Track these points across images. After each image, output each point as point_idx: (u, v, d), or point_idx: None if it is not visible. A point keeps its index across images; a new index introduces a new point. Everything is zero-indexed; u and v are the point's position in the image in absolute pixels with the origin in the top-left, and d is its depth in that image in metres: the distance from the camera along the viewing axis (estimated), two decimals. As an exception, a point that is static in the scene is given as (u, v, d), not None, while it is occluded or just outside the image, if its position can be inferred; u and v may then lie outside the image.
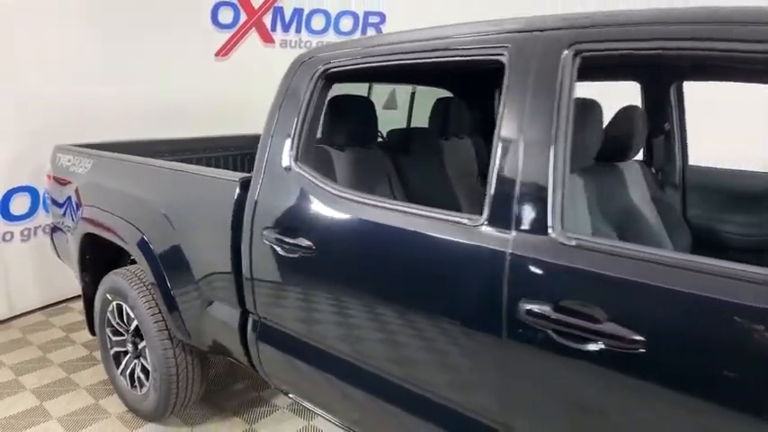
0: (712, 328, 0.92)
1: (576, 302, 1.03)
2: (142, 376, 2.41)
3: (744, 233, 2.16)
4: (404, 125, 4.23)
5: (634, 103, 2.01)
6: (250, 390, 2.74)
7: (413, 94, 3.37)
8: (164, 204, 2.09)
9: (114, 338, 2.53)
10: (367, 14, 5.19)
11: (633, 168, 2.06)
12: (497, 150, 1.19)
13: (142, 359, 2.40)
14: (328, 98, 1.88)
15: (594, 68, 2.12)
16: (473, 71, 2.57)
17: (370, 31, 5.22)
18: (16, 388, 2.75)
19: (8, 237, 3.57)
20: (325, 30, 5.10)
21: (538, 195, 1.12)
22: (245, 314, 1.84)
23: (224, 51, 4.65)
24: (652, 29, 1.05)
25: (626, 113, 1.92)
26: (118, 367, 2.54)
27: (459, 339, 1.23)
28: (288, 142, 1.66)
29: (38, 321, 3.60)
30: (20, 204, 3.60)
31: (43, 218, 3.64)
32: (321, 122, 1.92)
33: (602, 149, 2.00)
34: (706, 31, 0.99)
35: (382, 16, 5.22)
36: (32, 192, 3.62)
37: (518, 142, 1.17)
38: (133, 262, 2.43)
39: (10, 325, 3.53)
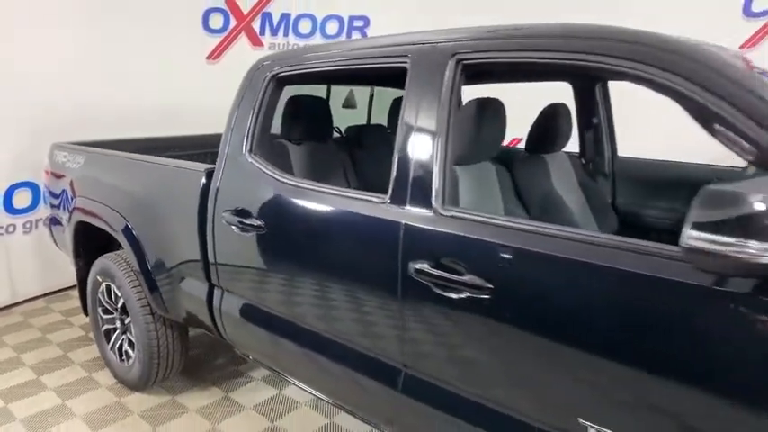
0: (546, 276, 1.17)
1: (448, 260, 1.28)
2: (129, 350, 2.69)
3: (664, 217, 2.40)
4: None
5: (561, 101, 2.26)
6: (229, 364, 3.01)
7: (371, 95, 3.65)
8: (144, 194, 2.37)
9: (105, 317, 2.81)
10: (352, 18, 5.45)
11: (559, 159, 2.31)
12: (398, 142, 1.46)
13: (128, 334, 2.68)
14: (287, 98, 2.16)
15: (527, 71, 2.38)
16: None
17: (355, 35, 5.48)
18: (16, 364, 3.04)
19: (11, 229, 3.87)
20: (311, 33, 5.37)
21: (425, 178, 1.38)
22: (211, 287, 2.12)
23: (215, 55, 4.93)
24: (510, 42, 1.31)
25: (549, 111, 2.17)
26: (108, 342, 2.82)
27: (369, 296, 1.49)
28: (244, 136, 1.93)
29: (39, 307, 3.89)
30: (22, 199, 3.89)
31: (44, 211, 3.92)
32: (281, 119, 2.20)
33: (529, 142, 2.26)
34: (545, 44, 1.24)
35: (366, 20, 5.48)
36: (33, 187, 3.91)
37: (412, 135, 1.43)
38: (121, 247, 2.71)
39: (13, 310, 3.82)
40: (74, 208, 2.83)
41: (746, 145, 0.99)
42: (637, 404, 1.07)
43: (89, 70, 3.98)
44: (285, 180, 1.75)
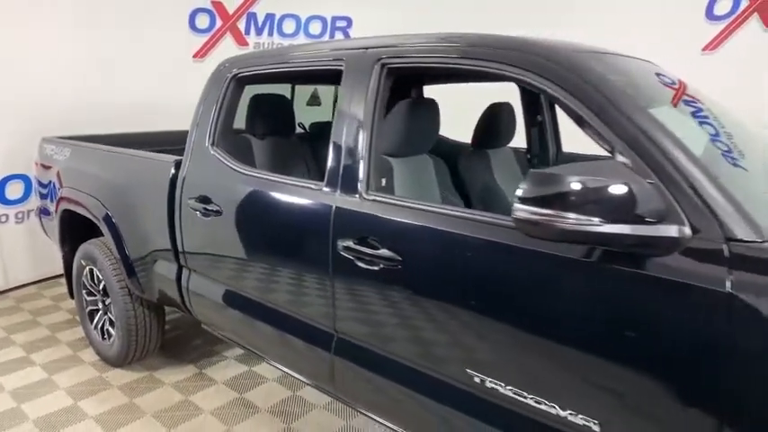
0: (436, 248, 1.38)
1: (368, 237, 1.49)
2: (110, 329, 2.90)
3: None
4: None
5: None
6: (205, 345, 3.21)
7: (336, 94, 3.86)
8: (122, 183, 2.58)
9: (88, 299, 3.02)
10: (335, 19, 5.64)
11: (503, 154, 2.51)
12: (332, 135, 1.66)
13: (109, 314, 2.88)
14: (251, 96, 2.36)
15: (445, 74, 2.58)
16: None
17: (338, 34, 5.68)
18: (8, 343, 3.25)
19: (4, 219, 4.07)
20: (295, 33, 5.56)
21: (354, 167, 1.58)
22: (180, 268, 2.32)
23: (201, 53, 5.13)
24: (422, 48, 1.52)
25: (492, 110, 2.37)
26: (92, 323, 3.03)
27: (307, 270, 1.69)
28: (207, 131, 2.13)
29: (31, 293, 4.10)
30: (15, 190, 4.10)
31: (35, 202, 4.13)
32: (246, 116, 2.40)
33: (474, 139, 2.46)
34: (451, 51, 1.45)
35: (349, 20, 5.67)
36: (26, 179, 4.11)
37: (344, 129, 1.63)
38: (102, 234, 2.91)
39: (6, 296, 4.03)
40: (60, 197, 3.04)
41: (602, 141, 1.19)
42: (502, 351, 1.29)
43: (80, 69, 4.19)
44: (240, 170, 1.96)
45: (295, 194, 1.73)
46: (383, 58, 1.58)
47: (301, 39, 5.58)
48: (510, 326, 1.25)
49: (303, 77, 2.24)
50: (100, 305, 2.96)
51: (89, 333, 3.09)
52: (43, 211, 3.48)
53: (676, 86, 1.83)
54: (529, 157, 2.71)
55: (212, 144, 2.11)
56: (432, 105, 1.90)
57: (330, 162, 1.65)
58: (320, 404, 2.57)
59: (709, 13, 4.49)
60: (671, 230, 1.00)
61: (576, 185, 0.97)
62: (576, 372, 1.16)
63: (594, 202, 0.96)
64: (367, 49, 1.66)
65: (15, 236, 4.13)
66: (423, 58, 1.52)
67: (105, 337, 2.94)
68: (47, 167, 3.25)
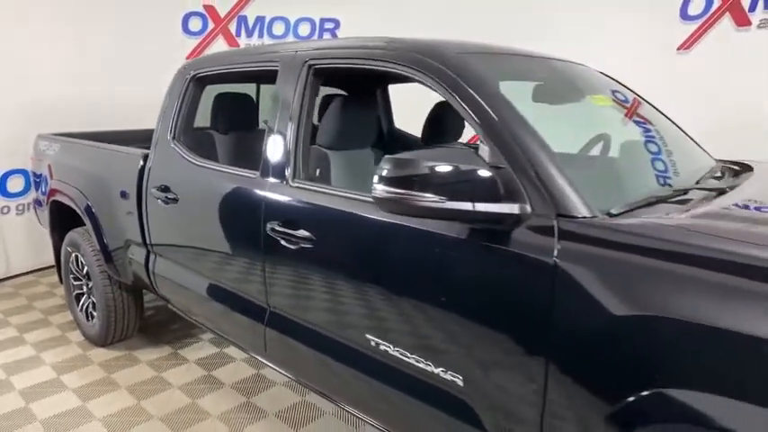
0: (339, 226, 1.56)
1: (292, 220, 1.67)
2: (93, 311, 3.12)
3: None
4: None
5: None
6: (183, 329, 3.43)
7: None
8: (100, 175, 2.80)
9: (75, 283, 3.25)
10: (323, 20, 5.84)
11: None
12: (268, 128, 1.85)
13: (92, 297, 3.11)
14: (215, 95, 2.56)
15: (383, 73, 2.76)
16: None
17: (326, 36, 5.87)
18: (3, 325, 3.50)
19: (5, 210, 4.35)
20: (285, 35, 5.77)
21: (283, 157, 1.77)
22: (148, 252, 2.53)
23: (194, 55, 5.35)
24: (339, 52, 1.70)
25: (438, 108, 2.53)
26: (78, 305, 3.27)
27: (244, 250, 1.89)
28: (169, 126, 2.34)
29: (29, 280, 4.37)
30: (15, 184, 4.37)
31: (34, 195, 4.40)
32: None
33: (422, 135, 2.62)
34: (360, 54, 1.63)
35: (337, 22, 5.86)
36: (25, 174, 4.37)
37: (277, 124, 1.82)
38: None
39: (6, 283, 4.30)
40: (50, 189, 3.27)
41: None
42: (388, 317, 1.46)
43: (79, 70, 4.45)
44: (194, 161, 2.17)
45: (236, 182, 1.93)
46: (309, 60, 1.77)
47: (291, 40, 5.78)
48: (391, 293, 1.43)
49: (250, 77, 2.42)
50: (84, 289, 3.19)
51: (76, 315, 3.32)
52: (37, 203, 3.73)
53: (595, 85, 1.97)
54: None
55: (173, 138, 2.32)
56: (368, 103, 2.07)
57: (264, 153, 1.84)
58: (280, 382, 2.76)
59: (684, 13, 4.59)
60: (513, 208, 1.17)
61: (423, 169, 1.15)
62: (441, 333, 1.33)
63: (440, 182, 1.13)
64: (297, 52, 1.84)
65: (16, 227, 4.40)
66: (340, 60, 1.70)
67: (89, 318, 3.18)
68: (40, 161, 3.49)
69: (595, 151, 1.81)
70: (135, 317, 3.09)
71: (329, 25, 5.85)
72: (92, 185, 2.87)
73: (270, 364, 1.98)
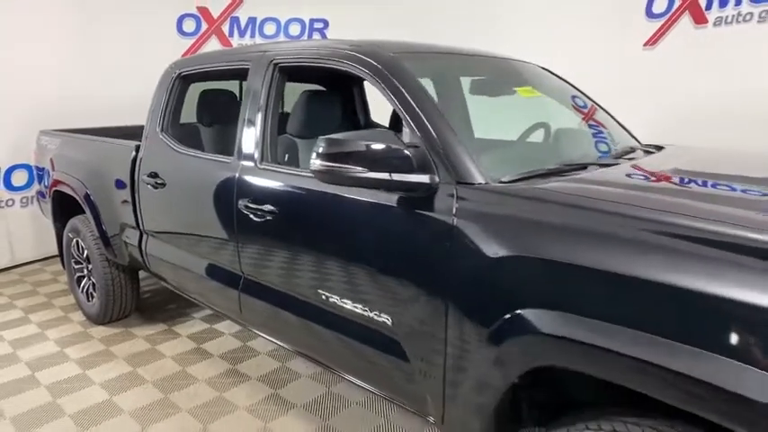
0: (294, 201, 1.84)
1: (259, 197, 1.95)
2: (93, 291, 3.41)
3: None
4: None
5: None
6: (178, 308, 3.71)
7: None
8: (98, 166, 3.08)
9: (76, 266, 3.54)
10: (312, 21, 6.11)
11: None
12: (240, 119, 2.12)
13: (92, 278, 3.40)
14: (200, 91, 2.84)
15: (331, 71, 3.04)
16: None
17: (316, 35, 6.14)
18: (10, 307, 3.79)
19: (11, 203, 4.64)
20: (276, 35, 6.04)
21: (253, 144, 2.05)
22: (141, 234, 2.81)
23: (188, 55, 5.63)
24: (294, 52, 1.98)
25: (449, 102, 2.79)
26: (79, 287, 3.55)
27: (221, 225, 2.16)
28: (158, 120, 2.62)
29: (34, 269, 4.66)
30: (19, 178, 4.66)
31: (38, 188, 4.68)
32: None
33: (390, 124, 2.89)
34: (310, 54, 1.91)
35: (326, 22, 6.13)
36: (29, 168, 4.66)
37: (247, 114, 2.10)
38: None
39: (12, 271, 4.59)
40: (52, 180, 3.56)
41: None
42: (332, 272, 1.74)
43: (79, 70, 4.73)
44: (179, 150, 2.45)
45: (214, 167, 2.20)
46: (274, 60, 2.05)
47: (282, 40, 6.05)
48: (335, 253, 1.70)
49: (228, 75, 2.68)
50: (85, 272, 3.47)
51: (77, 296, 3.61)
52: (40, 194, 4.01)
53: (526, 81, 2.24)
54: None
55: (162, 130, 2.60)
56: (330, 97, 2.35)
57: (238, 140, 2.12)
58: (264, 351, 3.05)
59: (649, 11, 4.85)
60: (423, 178, 1.44)
61: (349, 146, 1.42)
62: (374, 284, 1.60)
63: (363, 157, 1.41)
64: (264, 52, 2.12)
65: (20, 218, 4.69)
66: (299, 59, 1.98)
67: (89, 299, 3.46)
68: (42, 156, 3.78)
69: (508, 132, 2.09)
70: (131, 296, 3.38)
71: (318, 25, 6.12)
72: (90, 176, 3.16)
73: (245, 325, 2.26)
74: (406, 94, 1.58)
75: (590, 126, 2.27)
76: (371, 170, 1.40)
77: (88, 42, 4.79)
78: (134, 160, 2.73)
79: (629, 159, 1.85)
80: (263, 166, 1.99)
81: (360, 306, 1.65)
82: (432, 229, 1.44)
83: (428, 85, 1.80)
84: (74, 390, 2.69)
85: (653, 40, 4.85)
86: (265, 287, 2.03)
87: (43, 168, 3.75)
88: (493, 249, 1.29)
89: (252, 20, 5.91)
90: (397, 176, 1.42)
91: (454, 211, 1.39)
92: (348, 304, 1.69)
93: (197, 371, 2.87)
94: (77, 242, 3.44)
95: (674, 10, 4.66)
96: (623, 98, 4.86)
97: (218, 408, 2.51)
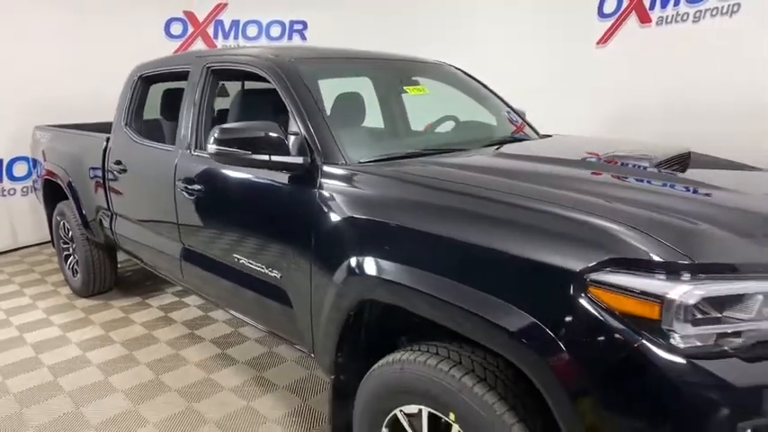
0: (215, 180, 2.23)
1: (190, 178, 2.34)
2: (77, 267, 3.85)
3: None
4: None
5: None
6: (155, 285, 4.14)
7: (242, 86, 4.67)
8: (78, 156, 3.51)
9: (63, 246, 3.99)
10: (292, 23, 6.49)
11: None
12: (180, 114, 2.52)
13: (76, 256, 3.84)
14: (164, 90, 3.25)
15: (244, 73, 3.39)
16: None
17: (296, 36, 6.53)
18: (9, 283, 4.26)
19: (12, 192, 5.12)
20: (258, 36, 6.44)
21: (189, 134, 2.44)
22: (112, 215, 3.24)
23: (176, 56, 6.05)
24: (220, 58, 2.36)
25: (341, 98, 3.16)
26: (66, 264, 4.00)
27: (164, 202, 2.56)
28: (122, 115, 3.03)
29: (33, 251, 5.14)
30: (20, 169, 5.14)
31: (35, 177, 5.14)
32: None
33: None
34: (226, 59, 2.30)
35: (304, 24, 6.51)
36: (28, 160, 5.13)
37: (185, 110, 2.49)
38: (72, 196, 3.86)
39: (14, 253, 5.08)
40: (44, 170, 4.01)
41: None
42: (238, 237, 2.13)
43: (72, 70, 5.17)
44: (137, 141, 2.87)
45: (160, 154, 2.61)
46: (207, 64, 2.44)
47: (263, 41, 6.44)
48: (240, 222, 2.10)
49: (178, 77, 3.03)
50: (71, 250, 3.92)
51: (65, 272, 4.07)
52: (36, 183, 4.47)
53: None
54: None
55: (125, 124, 3.02)
56: (258, 96, 2.72)
57: (180, 131, 2.52)
58: (221, 319, 3.46)
59: (600, 12, 5.14)
60: (299, 159, 1.82)
61: (237, 133, 1.81)
62: (267, 245, 2.00)
63: (247, 141, 1.79)
64: (201, 57, 2.52)
65: (21, 206, 5.17)
66: (225, 64, 2.37)
67: (74, 274, 3.91)
68: (36, 149, 4.24)
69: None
70: (110, 272, 3.82)
71: (298, 27, 6.50)
72: (72, 165, 3.59)
73: (188, 287, 2.68)
74: (293, 93, 1.96)
75: (482, 118, 2.62)
76: (254, 153, 1.79)
77: (82, 44, 5.24)
78: (105, 150, 3.15)
79: (498, 146, 2.22)
80: (195, 153, 2.39)
81: (260, 265, 2.04)
82: (303, 199, 1.81)
83: (327, 84, 2.18)
84: (53, 347, 3.13)
85: (605, 39, 5.15)
86: (198, 254, 2.43)
87: (37, 160, 4.20)
88: (340, 213, 1.67)
89: (235, 22, 6.31)
90: (276, 158, 1.80)
91: (318, 185, 1.77)
92: (253, 264, 2.08)
93: (161, 334, 3.29)
94: (64, 224, 3.89)
95: (622, 10, 4.95)
96: (579, 94, 5.21)
97: (172, 363, 2.92)
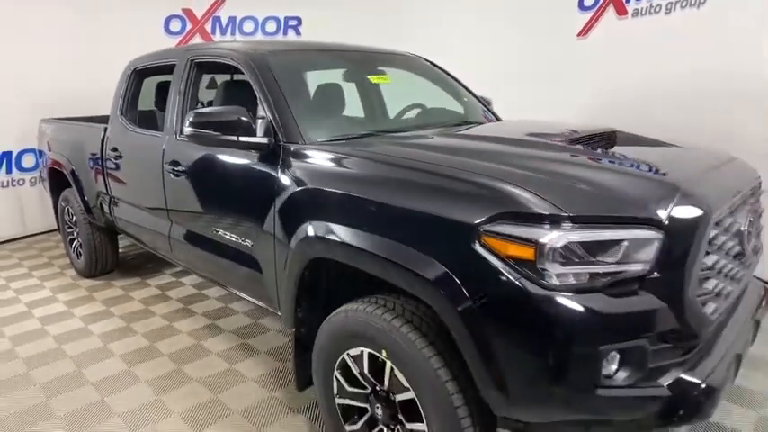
0: (195, 161, 2.48)
1: (175, 160, 2.60)
2: (80, 250, 4.14)
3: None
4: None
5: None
6: (155, 267, 4.42)
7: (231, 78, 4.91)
8: (80, 145, 3.78)
9: (68, 230, 4.28)
10: (287, 18, 6.73)
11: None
12: (167, 102, 2.77)
13: (79, 239, 4.13)
14: (157, 83, 3.51)
15: (220, 65, 3.62)
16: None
17: (290, 32, 6.77)
18: (19, 267, 4.57)
19: (21, 182, 5.43)
20: (254, 32, 6.69)
21: (175, 120, 2.69)
22: (110, 199, 3.51)
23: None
24: (198, 51, 2.62)
25: (321, 89, 3.40)
26: (71, 247, 4.30)
27: (154, 184, 2.81)
28: (119, 105, 3.30)
29: (41, 238, 5.46)
30: (28, 161, 5.44)
31: (42, 168, 5.44)
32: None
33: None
34: (209, 53, 2.55)
35: (299, 19, 6.74)
36: (36, 152, 5.43)
37: (171, 98, 2.75)
38: (76, 184, 4.15)
39: (23, 240, 5.40)
40: (49, 160, 4.30)
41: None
42: (215, 212, 2.39)
43: (76, 66, 5.45)
44: (131, 129, 3.15)
45: (151, 140, 2.88)
46: (191, 57, 2.69)
47: (259, 36, 6.70)
48: (218, 198, 2.35)
49: (166, 70, 3.21)
50: (75, 234, 4.21)
51: (70, 255, 4.36)
52: (42, 173, 4.77)
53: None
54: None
55: (121, 114, 3.29)
56: (239, 87, 2.95)
57: (167, 117, 2.77)
58: (214, 296, 3.73)
59: (581, 4, 5.32)
60: (263, 140, 2.06)
61: (209, 117, 2.05)
62: (240, 218, 2.25)
63: (218, 124, 2.04)
64: (186, 51, 2.77)
65: (30, 195, 5.48)
66: (206, 57, 2.62)
67: (78, 256, 4.20)
68: (42, 140, 4.53)
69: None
70: (111, 253, 4.10)
71: (292, 22, 6.74)
72: (74, 154, 3.87)
73: (177, 263, 2.95)
74: (261, 81, 2.21)
75: (445, 104, 2.85)
76: (224, 134, 2.04)
77: (85, 42, 5.52)
78: (103, 139, 3.42)
79: (449, 128, 2.45)
80: (180, 138, 2.64)
81: (234, 236, 2.29)
82: (267, 174, 2.06)
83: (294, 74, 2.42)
84: (59, 320, 3.42)
85: (585, 31, 5.33)
86: (183, 230, 2.70)
87: (43, 151, 4.49)
88: (295, 185, 1.92)
89: (232, 19, 6.56)
90: (243, 138, 2.05)
91: (280, 162, 2.01)
92: (228, 235, 2.33)
93: (158, 309, 3.57)
94: (68, 210, 4.18)
95: (600, 2, 5.13)
96: (561, 83, 5.39)
97: (165, 332, 3.20)
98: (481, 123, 2.69)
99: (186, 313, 3.48)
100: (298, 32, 6.79)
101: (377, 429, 1.79)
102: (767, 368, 2.63)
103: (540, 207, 1.35)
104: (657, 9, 4.62)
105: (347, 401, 1.86)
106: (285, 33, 6.77)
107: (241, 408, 2.41)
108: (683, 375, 1.41)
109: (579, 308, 1.29)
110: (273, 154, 2.05)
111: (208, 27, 6.47)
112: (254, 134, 2.06)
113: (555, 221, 1.33)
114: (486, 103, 3.10)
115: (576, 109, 5.39)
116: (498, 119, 2.99)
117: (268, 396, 2.50)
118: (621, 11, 4.97)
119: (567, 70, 5.49)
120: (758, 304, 1.92)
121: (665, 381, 1.40)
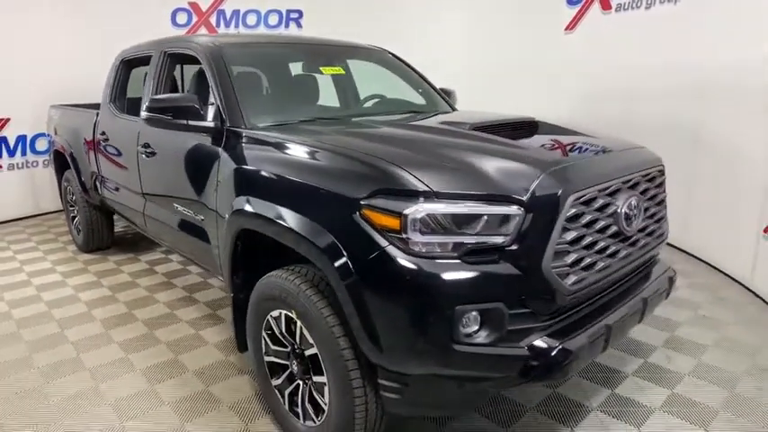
0: (160, 142, 2.73)
1: (147, 142, 2.86)
2: (80, 227, 4.48)
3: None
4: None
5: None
6: (149, 245, 4.73)
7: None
8: (77, 130, 4.10)
9: (70, 208, 4.63)
10: (289, 11, 6.95)
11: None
12: (143, 91, 3.03)
13: (79, 216, 4.47)
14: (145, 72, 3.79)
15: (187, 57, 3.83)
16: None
17: (292, 24, 6.99)
18: (28, 241, 4.95)
19: (35, 164, 5.83)
20: (257, 24, 6.93)
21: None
22: (102, 179, 3.81)
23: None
24: (172, 44, 2.86)
25: (298, 78, 3.62)
26: (72, 223, 4.64)
27: (131, 164, 3.08)
28: (108, 93, 3.59)
29: (53, 216, 5.85)
30: (41, 144, 5.82)
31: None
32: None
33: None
34: (180, 45, 2.78)
35: (300, 12, 6.96)
36: (48, 136, 5.81)
37: (145, 87, 3.00)
38: (77, 166, 4.48)
39: (36, 218, 5.80)
40: (54, 143, 4.64)
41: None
42: (174, 189, 2.62)
43: (87, 57, 5.77)
44: (116, 114, 3.42)
45: (129, 124, 3.15)
46: (164, 48, 2.94)
47: (261, 29, 6.94)
48: (177, 176, 2.60)
49: (148, 61, 3.51)
50: (75, 212, 4.55)
51: (71, 231, 4.71)
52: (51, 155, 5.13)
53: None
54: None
55: (110, 102, 3.57)
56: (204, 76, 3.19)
57: (143, 104, 3.03)
58: (195, 272, 4.01)
59: (567, -1, 5.38)
60: (212, 123, 2.30)
61: (163, 103, 2.29)
62: (193, 194, 2.49)
63: (171, 109, 2.28)
64: (160, 43, 3.02)
65: (43, 176, 5.87)
66: (175, 48, 2.86)
67: (78, 232, 4.54)
68: (50, 126, 4.88)
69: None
70: (107, 230, 4.43)
71: (294, 15, 6.96)
72: (73, 138, 4.19)
73: (152, 237, 3.23)
74: (213, 70, 2.44)
75: (402, 95, 3.04)
76: (176, 118, 2.28)
77: (98, 34, 5.85)
78: (95, 124, 3.72)
79: (388, 117, 2.65)
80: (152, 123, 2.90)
81: (190, 211, 2.54)
82: (213, 156, 2.30)
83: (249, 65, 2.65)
84: (53, 288, 3.75)
85: (572, 25, 5.40)
86: (153, 206, 2.97)
87: (50, 134, 4.84)
88: (231, 164, 2.15)
89: (236, 12, 6.82)
90: (192, 122, 2.29)
91: (222, 144, 2.24)
92: (185, 210, 2.58)
93: (144, 282, 3.87)
94: (69, 189, 4.52)
95: (587, -4, 5.18)
96: (550, 76, 5.48)
97: (144, 302, 3.49)
98: (430, 113, 2.86)
99: (167, 286, 3.76)
100: (299, 25, 7.02)
101: (294, 383, 2.02)
102: (687, 350, 2.76)
103: (410, 184, 1.54)
104: (638, 4, 4.66)
105: (272, 359, 2.08)
106: (287, 26, 7.00)
107: (196, 367, 2.67)
108: (540, 338, 1.58)
109: (436, 272, 1.48)
110: (219, 136, 2.29)
111: (213, 20, 6.75)
112: (203, 118, 2.30)
113: (422, 196, 1.51)
114: (444, 95, 3.26)
115: (563, 100, 5.46)
116: (454, 109, 3.15)
117: (223, 359, 2.75)
118: (606, 6, 5.02)
119: (554, 63, 5.56)
120: (666, 287, 2.07)
121: (526, 343, 1.57)
